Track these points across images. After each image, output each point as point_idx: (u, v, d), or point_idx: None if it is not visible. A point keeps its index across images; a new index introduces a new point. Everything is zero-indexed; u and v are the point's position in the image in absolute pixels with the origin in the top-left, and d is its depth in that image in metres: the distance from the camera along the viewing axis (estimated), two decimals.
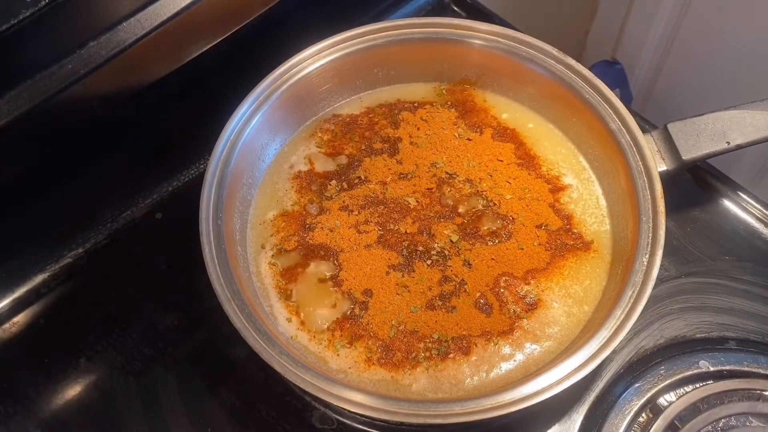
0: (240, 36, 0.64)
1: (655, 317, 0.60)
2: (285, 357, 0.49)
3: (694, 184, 0.67)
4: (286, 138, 0.65)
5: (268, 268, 0.59)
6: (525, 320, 0.55)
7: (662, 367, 0.57)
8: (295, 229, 0.60)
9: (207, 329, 0.62)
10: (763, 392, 0.55)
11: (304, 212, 0.61)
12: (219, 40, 0.63)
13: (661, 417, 0.54)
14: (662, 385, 0.56)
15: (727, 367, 0.57)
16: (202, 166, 0.69)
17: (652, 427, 0.54)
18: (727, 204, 0.66)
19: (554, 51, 0.62)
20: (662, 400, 0.56)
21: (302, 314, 0.56)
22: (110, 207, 0.67)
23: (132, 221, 0.67)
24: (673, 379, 0.57)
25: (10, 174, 0.58)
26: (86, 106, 0.58)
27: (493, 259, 0.58)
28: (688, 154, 0.59)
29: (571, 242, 0.58)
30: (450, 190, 0.61)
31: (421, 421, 0.47)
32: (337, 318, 0.56)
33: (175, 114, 0.67)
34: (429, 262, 0.58)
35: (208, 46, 0.63)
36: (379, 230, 0.59)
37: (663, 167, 0.59)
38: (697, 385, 0.56)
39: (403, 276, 0.57)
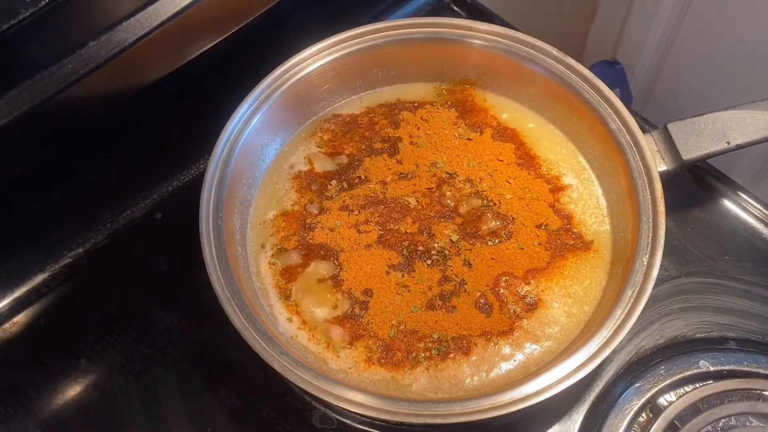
0: (240, 36, 0.64)
1: (655, 317, 0.60)
2: (285, 357, 0.49)
3: (694, 184, 0.67)
4: (286, 138, 0.65)
5: (268, 267, 0.59)
6: (525, 320, 0.55)
7: (662, 367, 0.57)
8: (295, 229, 0.60)
9: (207, 329, 0.62)
10: (763, 392, 0.55)
11: (304, 212, 0.61)
12: (219, 40, 0.63)
13: (661, 417, 0.54)
14: (662, 385, 0.56)
15: (727, 367, 0.57)
16: (202, 166, 0.69)
17: (652, 427, 0.54)
18: (727, 204, 0.66)
19: (554, 51, 0.62)
20: (662, 400, 0.56)
21: (303, 314, 0.56)
22: (110, 207, 0.67)
23: (132, 221, 0.67)
24: (673, 379, 0.57)
25: (10, 174, 0.58)
26: (86, 106, 0.58)
27: (493, 258, 0.58)
28: (688, 154, 0.59)
29: (571, 242, 0.58)
30: (450, 190, 0.61)
31: (421, 421, 0.47)
32: (337, 316, 0.56)
33: (175, 114, 0.67)
34: (429, 262, 0.58)
35: (208, 46, 0.63)
36: (379, 230, 0.59)
37: (663, 167, 0.59)
38: (697, 385, 0.56)
39: (403, 276, 0.57)
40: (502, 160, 0.62)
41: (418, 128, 0.65)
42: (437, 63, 0.66)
